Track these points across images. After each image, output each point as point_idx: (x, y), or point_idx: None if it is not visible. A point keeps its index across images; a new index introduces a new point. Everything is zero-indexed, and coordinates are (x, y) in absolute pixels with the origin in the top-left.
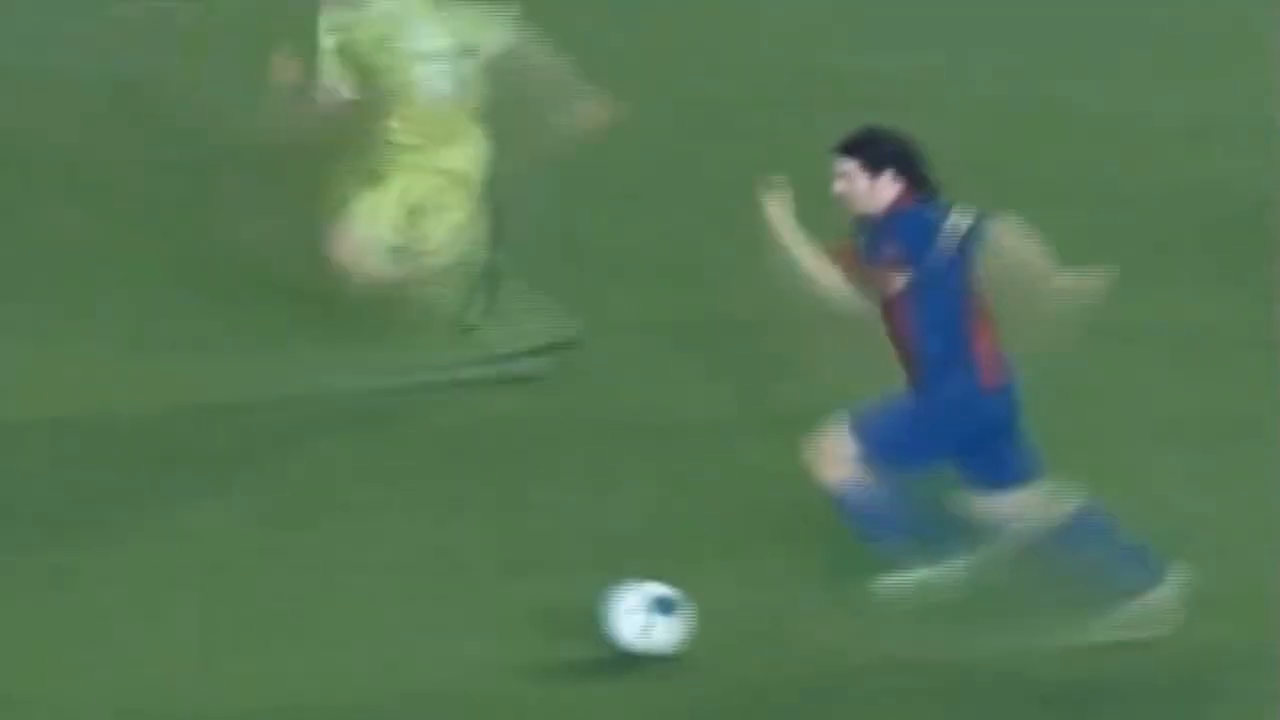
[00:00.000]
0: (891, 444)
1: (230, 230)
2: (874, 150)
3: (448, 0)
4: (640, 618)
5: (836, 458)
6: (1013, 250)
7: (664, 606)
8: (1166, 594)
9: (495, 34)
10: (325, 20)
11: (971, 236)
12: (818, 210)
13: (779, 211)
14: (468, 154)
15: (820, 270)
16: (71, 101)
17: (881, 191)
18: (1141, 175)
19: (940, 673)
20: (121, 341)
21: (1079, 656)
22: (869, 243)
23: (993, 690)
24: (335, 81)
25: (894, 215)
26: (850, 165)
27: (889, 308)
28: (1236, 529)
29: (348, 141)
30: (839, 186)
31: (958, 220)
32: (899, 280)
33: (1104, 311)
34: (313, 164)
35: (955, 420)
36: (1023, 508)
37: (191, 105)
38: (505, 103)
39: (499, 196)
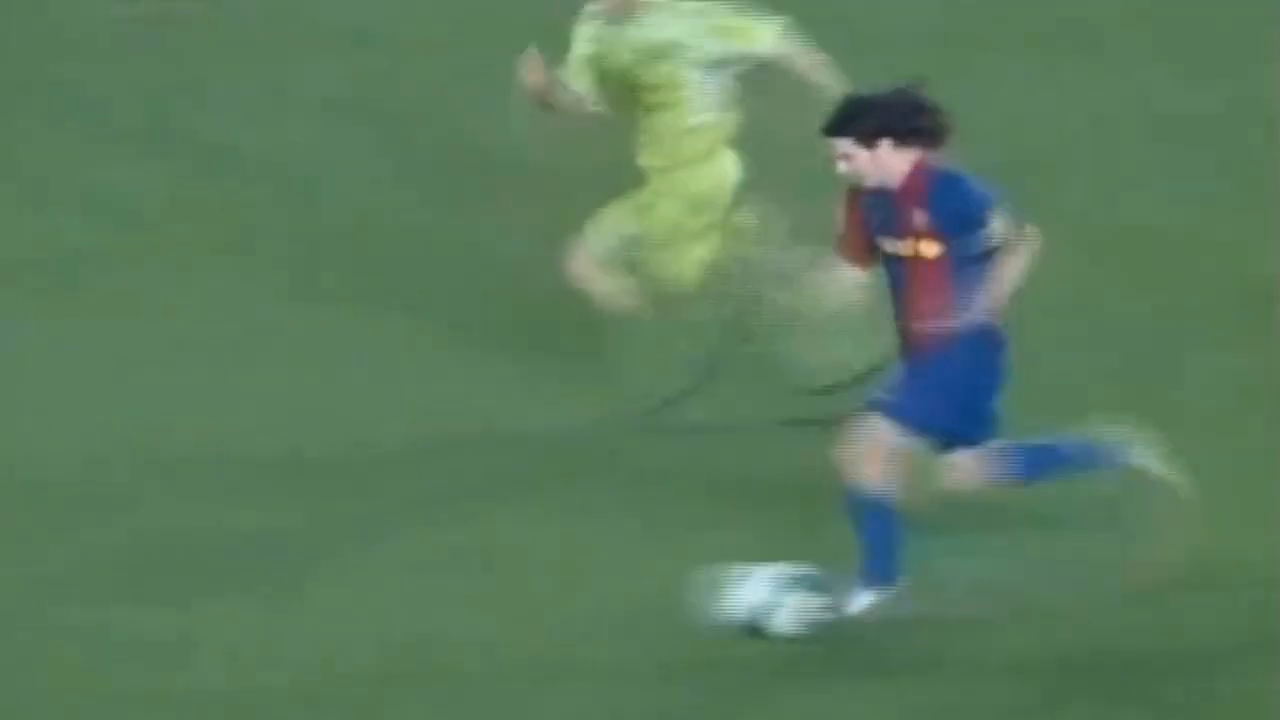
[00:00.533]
0: (931, 416)
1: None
2: (861, 123)
3: (714, 9)
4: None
5: (876, 455)
6: None
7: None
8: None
9: (763, 42)
10: (585, 30)
11: (991, 205)
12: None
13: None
14: (714, 177)
15: (831, 281)
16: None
17: (887, 162)
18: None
19: (924, 632)
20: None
21: (1070, 623)
22: (889, 215)
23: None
24: (584, 90)
25: (923, 184)
26: (845, 144)
27: (912, 275)
28: (1237, 512)
29: (595, 162)
30: (841, 167)
31: (986, 190)
32: (932, 249)
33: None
34: (561, 184)
35: (990, 376)
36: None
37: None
38: (758, 118)
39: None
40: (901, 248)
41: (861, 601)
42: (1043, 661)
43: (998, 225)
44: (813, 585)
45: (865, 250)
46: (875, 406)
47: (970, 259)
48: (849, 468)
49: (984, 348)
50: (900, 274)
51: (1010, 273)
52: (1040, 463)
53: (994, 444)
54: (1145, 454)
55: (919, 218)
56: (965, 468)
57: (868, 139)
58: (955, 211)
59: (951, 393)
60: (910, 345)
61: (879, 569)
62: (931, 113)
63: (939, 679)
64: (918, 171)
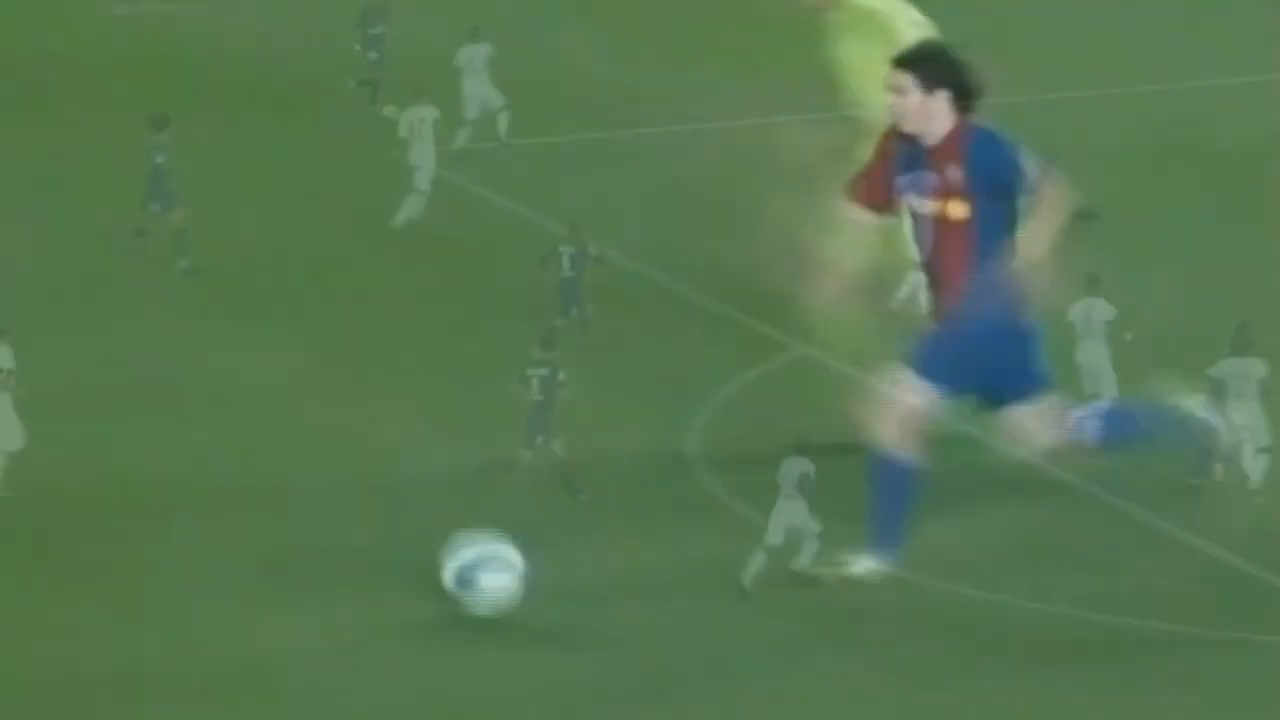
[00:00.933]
0: (954, 372)
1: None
2: (932, 68)
3: None
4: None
5: (894, 415)
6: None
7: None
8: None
9: None
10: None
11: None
12: None
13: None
14: None
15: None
16: None
17: (933, 112)
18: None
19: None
20: None
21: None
22: (919, 171)
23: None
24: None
25: (961, 142)
26: (906, 79)
27: (938, 236)
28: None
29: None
30: (891, 99)
31: (1020, 152)
32: (960, 210)
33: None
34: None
35: (1006, 337)
36: (1045, 416)
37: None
38: None
39: None
40: (929, 207)
41: (864, 564)
42: (1055, 618)
43: (1033, 175)
44: (507, 568)
45: (883, 196)
46: (906, 361)
47: (995, 223)
48: (870, 427)
49: (1009, 305)
50: (927, 234)
51: (1049, 225)
52: (1116, 428)
53: (1064, 404)
54: (1215, 418)
55: (953, 174)
56: (1029, 425)
57: (930, 84)
58: (990, 171)
59: (983, 349)
60: (939, 303)
61: (884, 534)
62: (979, 85)
63: (929, 638)
64: (957, 130)
